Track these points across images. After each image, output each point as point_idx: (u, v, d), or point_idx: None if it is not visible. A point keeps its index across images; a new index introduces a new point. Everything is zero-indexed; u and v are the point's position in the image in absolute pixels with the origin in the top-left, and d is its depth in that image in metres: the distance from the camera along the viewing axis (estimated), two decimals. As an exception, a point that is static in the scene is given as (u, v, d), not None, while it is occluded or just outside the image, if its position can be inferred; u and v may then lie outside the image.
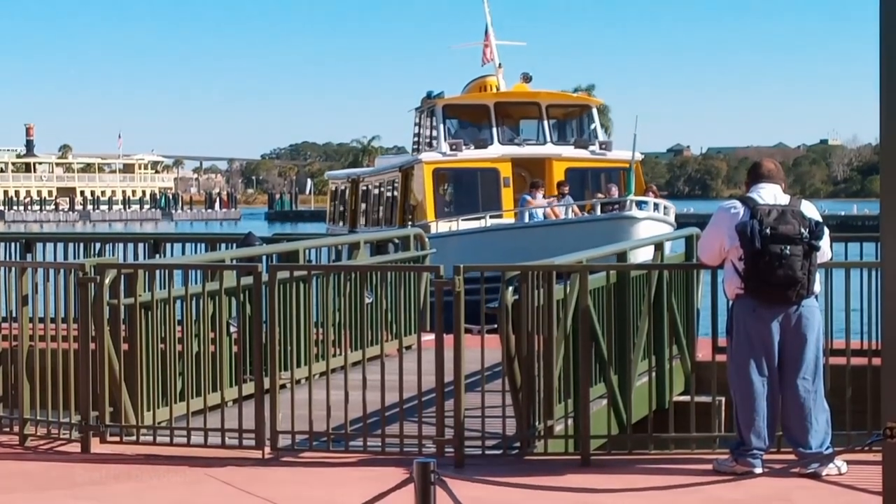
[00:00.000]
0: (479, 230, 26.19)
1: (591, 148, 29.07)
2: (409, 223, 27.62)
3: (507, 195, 28.26)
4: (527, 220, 26.09)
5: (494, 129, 28.86)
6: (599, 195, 27.50)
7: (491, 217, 26.79)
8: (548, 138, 29.30)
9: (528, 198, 26.30)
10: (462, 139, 28.64)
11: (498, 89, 30.52)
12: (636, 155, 29.38)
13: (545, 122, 29.31)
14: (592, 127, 29.81)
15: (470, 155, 28.34)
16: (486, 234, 25.67)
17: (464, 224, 27.09)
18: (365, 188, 33.03)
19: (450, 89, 31.00)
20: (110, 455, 9.27)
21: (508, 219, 27.22)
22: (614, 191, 27.14)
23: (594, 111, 30.35)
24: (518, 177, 28.73)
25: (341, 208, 35.31)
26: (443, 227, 27.07)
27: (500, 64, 31.68)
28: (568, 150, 29.03)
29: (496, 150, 28.58)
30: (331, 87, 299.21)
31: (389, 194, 30.78)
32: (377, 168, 34.72)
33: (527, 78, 30.72)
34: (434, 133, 29.43)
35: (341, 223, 34.55)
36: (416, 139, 31.21)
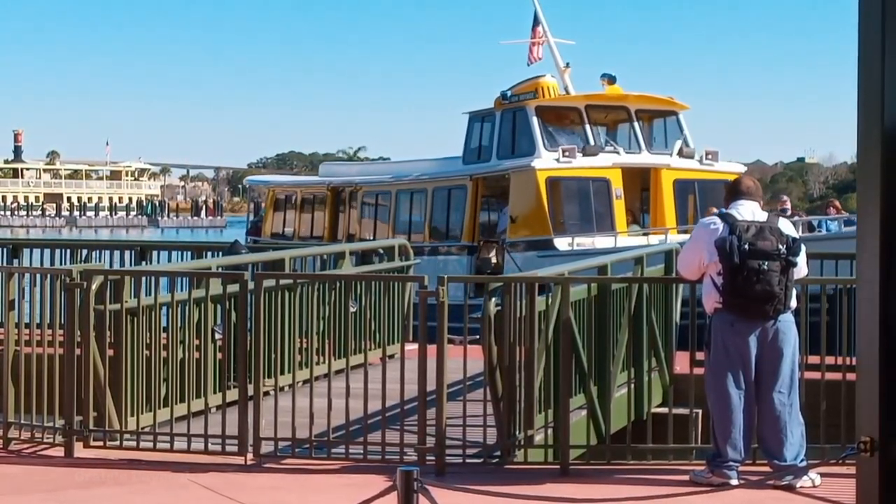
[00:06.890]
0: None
1: (698, 157, 26.55)
2: (501, 238, 25.21)
3: (619, 209, 25.19)
4: None
5: (589, 134, 26.10)
6: (713, 209, 24.12)
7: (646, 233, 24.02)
8: (642, 145, 26.41)
9: None
10: (574, 145, 25.49)
11: (567, 91, 27.37)
12: (739, 167, 27.09)
13: (636, 126, 26.50)
14: (683, 134, 27.03)
15: (582, 163, 25.27)
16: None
17: (601, 241, 23.82)
18: (370, 197, 29.54)
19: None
20: (93, 459, 9.32)
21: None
22: (787, 203, 24.99)
23: (681, 116, 27.35)
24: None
25: (297, 218, 31.90)
26: (563, 243, 24.26)
27: (567, 63, 28.48)
28: (675, 160, 26.28)
29: (605, 157, 25.60)
30: (317, 97, 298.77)
31: (442, 206, 27.16)
32: (401, 173, 30.00)
33: (611, 79, 27.41)
34: (517, 137, 26.08)
35: (308, 237, 30.65)
36: (475, 144, 27.35)
